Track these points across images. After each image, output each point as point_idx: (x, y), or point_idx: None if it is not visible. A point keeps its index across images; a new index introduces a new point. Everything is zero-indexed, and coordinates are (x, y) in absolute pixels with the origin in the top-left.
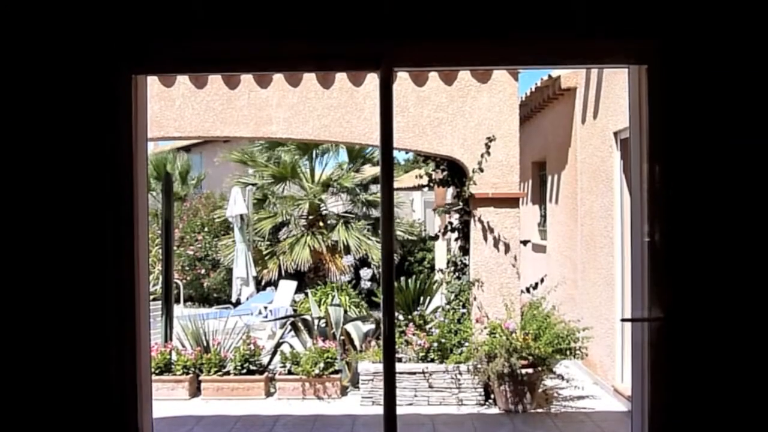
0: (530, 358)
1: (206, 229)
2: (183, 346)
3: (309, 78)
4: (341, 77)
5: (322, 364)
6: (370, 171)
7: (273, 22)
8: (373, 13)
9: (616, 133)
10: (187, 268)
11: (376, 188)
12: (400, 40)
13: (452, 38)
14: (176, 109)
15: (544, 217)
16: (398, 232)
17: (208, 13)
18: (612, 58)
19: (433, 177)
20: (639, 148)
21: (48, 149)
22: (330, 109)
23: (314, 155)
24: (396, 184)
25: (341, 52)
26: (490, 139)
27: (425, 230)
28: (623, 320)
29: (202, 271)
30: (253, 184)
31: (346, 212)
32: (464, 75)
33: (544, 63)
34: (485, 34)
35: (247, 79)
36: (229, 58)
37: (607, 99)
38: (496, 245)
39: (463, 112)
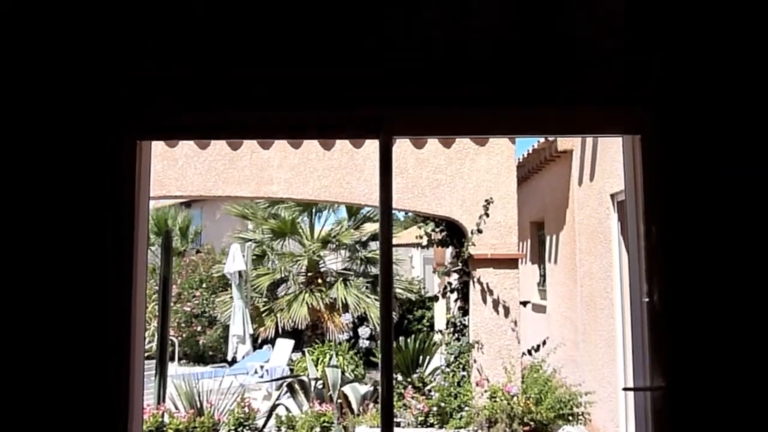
0: (532, 423)
1: (204, 285)
2: (176, 408)
3: (310, 140)
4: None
5: (318, 429)
6: (370, 228)
7: (274, 92)
8: (372, 82)
9: (612, 196)
10: (183, 325)
11: (375, 245)
12: (399, 109)
13: (450, 107)
14: (178, 169)
15: (543, 276)
16: (397, 290)
17: (212, 84)
18: (606, 128)
19: (432, 237)
20: (635, 211)
21: (54, 207)
22: (330, 170)
23: (314, 212)
24: (395, 241)
25: (342, 121)
26: (488, 202)
27: (424, 287)
28: (625, 389)
29: (199, 328)
30: (253, 240)
31: (345, 269)
32: (462, 138)
33: (540, 133)
34: (482, 105)
35: (249, 141)
36: (232, 126)
37: (603, 162)
38: (495, 307)
39: (462, 174)
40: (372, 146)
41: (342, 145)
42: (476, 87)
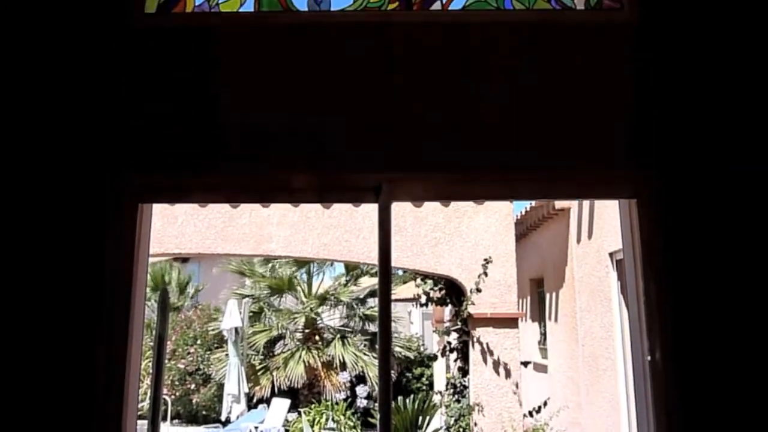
0: None
1: (199, 342)
2: None
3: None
4: None
5: None
6: (368, 282)
7: (274, 157)
8: (372, 148)
9: (611, 254)
10: (177, 383)
11: (373, 302)
12: (398, 175)
13: (449, 173)
14: (178, 226)
15: (544, 335)
16: (396, 349)
17: (212, 149)
18: (603, 193)
19: (431, 296)
20: (634, 270)
21: (55, 266)
22: (329, 228)
23: (312, 268)
24: (393, 296)
25: (340, 186)
26: (486, 261)
27: (423, 344)
28: None
29: (192, 386)
30: (250, 296)
31: (342, 326)
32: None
33: (537, 197)
34: (481, 170)
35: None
36: (232, 189)
37: (601, 220)
38: (496, 368)
39: (460, 233)
40: (371, 205)
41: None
42: (475, 153)
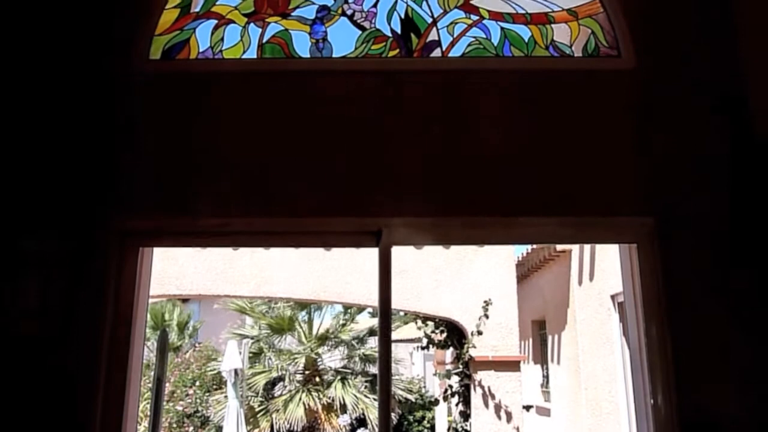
0: None
1: (198, 383)
2: None
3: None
4: None
5: None
6: (369, 321)
7: (275, 202)
8: (373, 193)
9: (613, 296)
10: (174, 426)
11: (373, 341)
12: (398, 220)
13: (450, 218)
14: (178, 268)
15: (546, 377)
16: (397, 391)
17: (214, 193)
18: (603, 238)
19: (433, 338)
20: (635, 313)
21: (56, 310)
22: (330, 270)
23: (312, 308)
24: (394, 336)
25: (341, 231)
26: (487, 303)
27: (425, 386)
28: None
29: (191, 429)
30: (250, 336)
31: (343, 368)
32: None
33: (537, 242)
34: (481, 216)
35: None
36: (233, 233)
37: (602, 262)
38: (497, 412)
39: (461, 275)
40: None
41: None
42: (476, 197)
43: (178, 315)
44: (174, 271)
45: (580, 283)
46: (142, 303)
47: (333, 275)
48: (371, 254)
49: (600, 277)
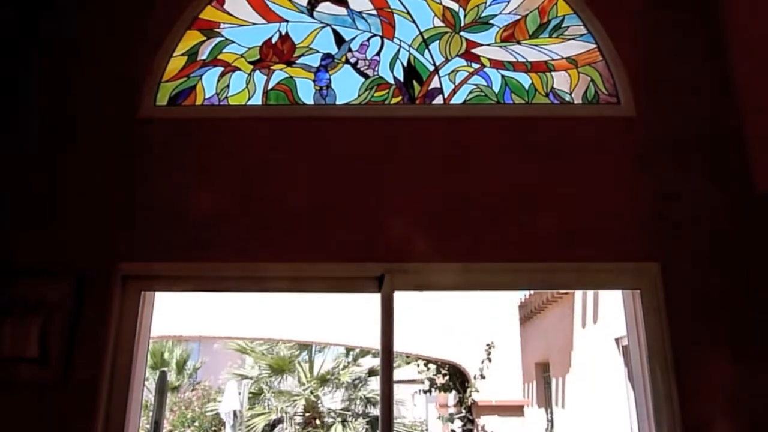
0: None
1: (197, 424)
2: None
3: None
4: None
5: None
6: (370, 361)
7: (276, 249)
8: (375, 238)
9: (617, 340)
10: None
11: (374, 382)
12: (400, 266)
13: (452, 264)
14: (179, 308)
15: (551, 421)
16: None
17: (214, 239)
18: (605, 284)
19: (435, 381)
20: (639, 357)
21: (57, 349)
22: (332, 311)
23: (313, 348)
24: (396, 376)
25: (343, 277)
26: (489, 346)
27: (427, 430)
28: None
29: None
30: (250, 377)
31: (344, 410)
32: None
33: (540, 287)
34: (483, 261)
35: None
36: (234, 278)
37: (606, 304)
38: None
39: (463, 317)
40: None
41: None
42: (477, 244)
43: (178, 354)
44: (174, 312)
45: (583, 325)
46: (142, 347)
47: (334, 316)
48: (373, 297)
49: (604, 319)
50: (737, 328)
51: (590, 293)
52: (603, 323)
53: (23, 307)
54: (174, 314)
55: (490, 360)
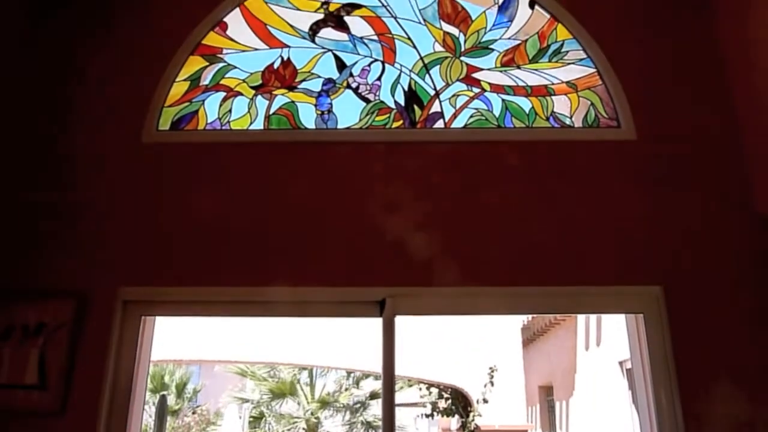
0: None
1: None
2: None
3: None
4: None
5: None
6: (372, 384)
7: (277, 270)
8: (376, 262)
9: (621, 363)
10: None
11: (376, 405)
12: (402, 290)
13: (453, 287)
14: (179, 332)
15: None
16: None
17: (215, 264)
18: (609, 308)
19: (437, 405)
20: (643, 380)
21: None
22: (333, 335)
23: (314, 370)
24: (397, 398)
25: (344, 301)
26: (492, 369)
27: None
28: None
29: None
30: (250, 401)
31: None
32: None
33: (542, 312)
34: (485, 286)
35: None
36: (235, 302)
37: (609, 326)
38: None
39: (465, 340)
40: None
41: None
42: (479, 268)
43: (179, 377)
44: (175, 335)
45: (587, 348)
46: (142, 372)
47: (336, 340)
48: (375, 320)
49: (607, 342)
50: (742, 352)
51: (593, 315)
52: (606, 345)
53: (23, 332)
54: (174, 337)
55: (492, 384)
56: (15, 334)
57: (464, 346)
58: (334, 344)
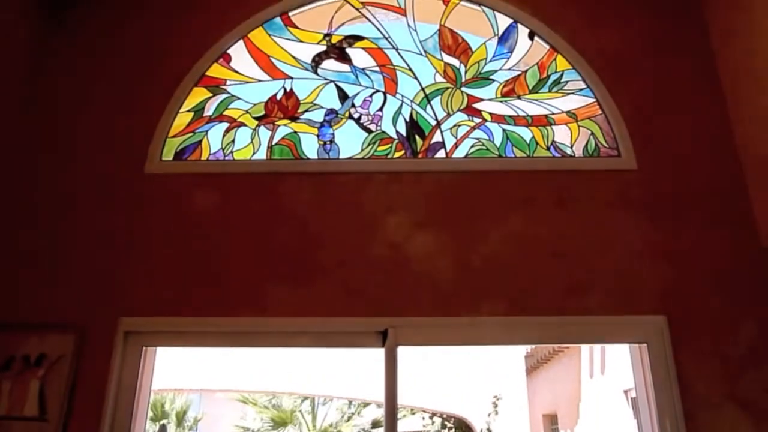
0: None
1: None
2: None
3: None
4: None
5: None
6: (374, 412)
7: (277, 300)
8: (378, 293)
9: (626, 392)
10: None
11: None
12: (404, 319)
13: (456, 318)
14: (180, 360)
15: None
16: None
17: (216, 294)
18: (612, 338)
19: None
20: (648, 410)
21: (57, 408)
22: (335, 363)
23: (316, 399)
24: (400, 427)
25: (346, 330)
26: (496, 398)
27: None
28: None
29: None
30: (251, 430)
31: None
32: None
33: (546, 342)
34: (489, 316)
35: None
36: (236, 333)
37: (613, 354)
38: None
39: (469, 369)
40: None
41: None
42: (481, 298)
43: (179, 405)
44: (175, 364)
45: (591, 375)
46: (142, 402)
47: (337, 369)
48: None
49: (611, 370)
50: (746, 381)
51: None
52: (611, 374)
53: (24, 363)
54: (175, 366)
55: (497, 412)
56: (15, 365)
57: (467, 374)
58: (336, 373)
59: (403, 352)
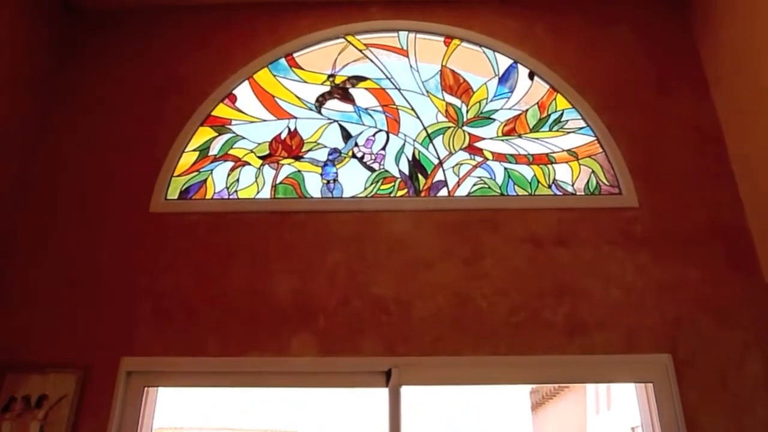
0: None
1: None
2: None
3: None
4: None
5: None
6: None
7: (279, 338)
8: (382, 332)
9: (633, 429)
10: None
11: None
12: (409, 359)
13: (460, 357)
14: (178, 399)
15: None
16: None
17: (218, 332)
18: (617, 377)
19: None
20: None
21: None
22: (335, 404)
23: None
24: None
25: (349, 370)
26: None
27: None
28: None
29: None
30: None
31: None
32: None
33: (551, 382)
34: (494, 355)
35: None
36: (239, 373)
37: (619, 390)
38: None
39: (472, 407)
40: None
41: None
42: (485, 338)
43: None
44: (176, 402)
45: (597, 412)
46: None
47: (339, 412)
48: (381, 390)
49: (617, 406)
50: (753, 419)
51: None
52: (617, 409)
53: (24, 404)
54: (175, 404)
55: None
56: (16, 406)
57: (472, 410)
58: (340, 412)
59: (407, 389)
